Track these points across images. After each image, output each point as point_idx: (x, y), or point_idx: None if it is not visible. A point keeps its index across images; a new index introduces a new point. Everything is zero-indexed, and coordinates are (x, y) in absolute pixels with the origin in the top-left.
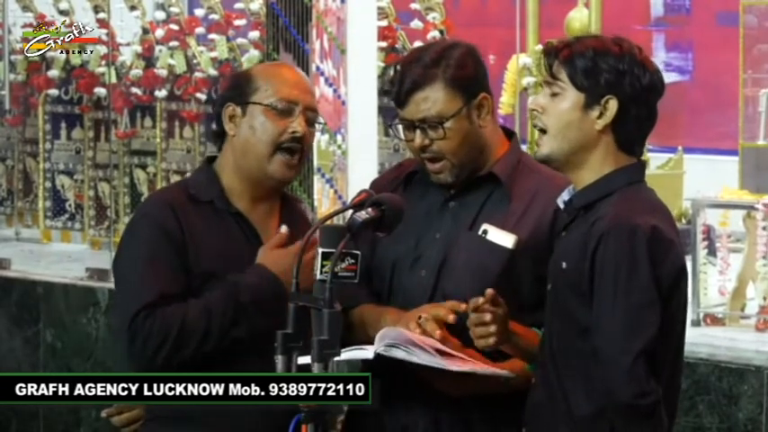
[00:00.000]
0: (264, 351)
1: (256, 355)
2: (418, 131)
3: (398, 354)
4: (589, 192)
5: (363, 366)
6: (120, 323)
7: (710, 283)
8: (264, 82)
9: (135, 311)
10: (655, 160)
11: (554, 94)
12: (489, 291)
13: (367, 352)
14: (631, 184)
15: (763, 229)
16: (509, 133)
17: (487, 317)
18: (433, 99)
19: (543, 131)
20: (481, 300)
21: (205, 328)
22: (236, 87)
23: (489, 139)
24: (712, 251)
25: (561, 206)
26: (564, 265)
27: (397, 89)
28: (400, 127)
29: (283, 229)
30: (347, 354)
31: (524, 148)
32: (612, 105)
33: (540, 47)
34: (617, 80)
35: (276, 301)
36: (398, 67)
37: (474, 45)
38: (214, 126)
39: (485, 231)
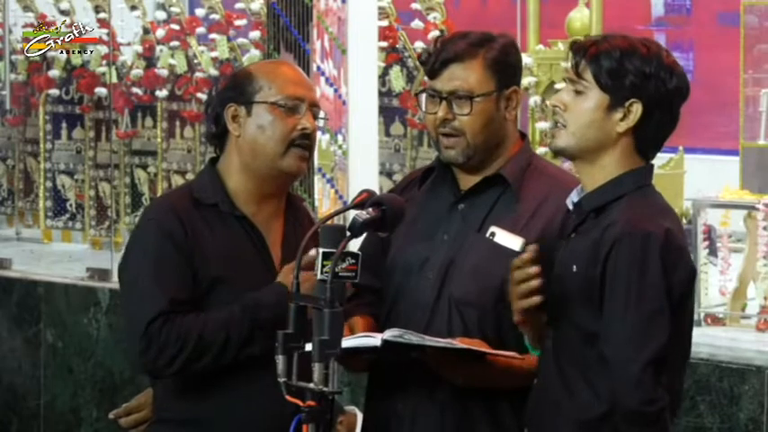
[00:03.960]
0: (263, 363)
1: (256, 369)
2: (443, 104)
3: (407, 337)
4: (599, 195)
5: (370, 355)
6: (134, 329)
7: (711, 283)
8: (267, 80)
9: (151, 318)
10: (656, 160)
11: (577, 92)
12: (533, 246)
13: (374, 339)
14: (640, 188)
15: (764, 229)
16: (521, 135)
17: (533, 269)
18: (468, 74)
19: (563, 126)
20: (526, 255)
21: (223, 342)
22: (237, 87)
23: (508, 135)
24: (713, 251)
25: (570, 207)
26: (574, 268)
27: (434, 59)
28: (424, 97)
29: (312, 252)
30: (354, 341)
31: None
32: (636, 109)
33: (540, 47)
34: (642, 83)
35: None
36: (439, 40)
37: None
38: (213, 128)
39: (492, 234)
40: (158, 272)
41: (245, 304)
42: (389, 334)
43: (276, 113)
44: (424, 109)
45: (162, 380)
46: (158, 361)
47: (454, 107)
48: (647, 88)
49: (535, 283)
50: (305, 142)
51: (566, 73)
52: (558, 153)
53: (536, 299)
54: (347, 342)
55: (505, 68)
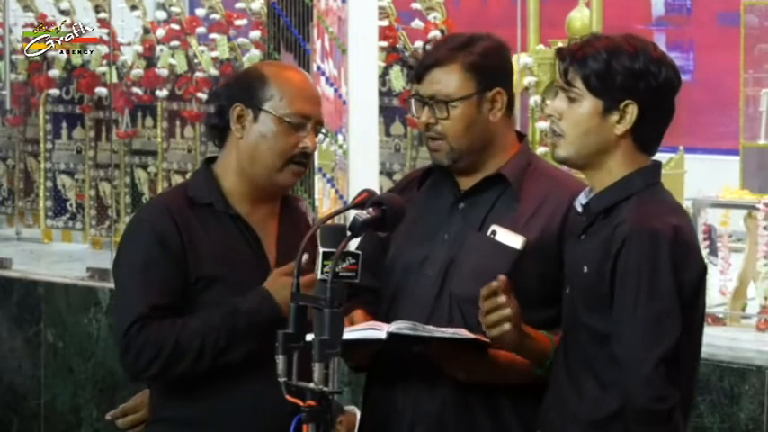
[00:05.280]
0: (262, 363)
1: (255, 369)
2: (426, 108)
3: (414, 327)
4: (607, 195)
5: (374, 345)
6: (117, 332)
7: (711, 282)
8: (279, 90)
9: (130, 322)
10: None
11: (571, 100)
12: (502, 277)
13: (380, 332)
14: (648, 186)
15: (764, 228)
16: (521, 136)
17: (502, 298)
18: (447, 79)
19: (561, 136)
20: (494, 283)
21: (199, 348)
22: (248, 88)
23: (499, 136)
24: (713, 251)
25: (579, 209)
26: (585, 269)
27: (418, 65)
28: (413, 101)
29: (305, 257)
30: (359, 333)
31: None
32: (632, 111)
33: (541, 46)
34: (633, 83)
35: (273, 328)
36: (426, 46)
37: (506, 43)
38: (216, 120)
39: (493, 232)
40: (145, 276)
41: (225, 310)
42: (395, 326)
43: (281, 128)
44: (414, 113)
45: (157, 380)
46: (136, 365)
47: (436, 111)
48: (639, 87)
49: (506, 311)
50: (303, 160)
51: (557, 81)
52: (561, 162)
53: (506, 326)
54: (352, 334)
55: (486, 71)
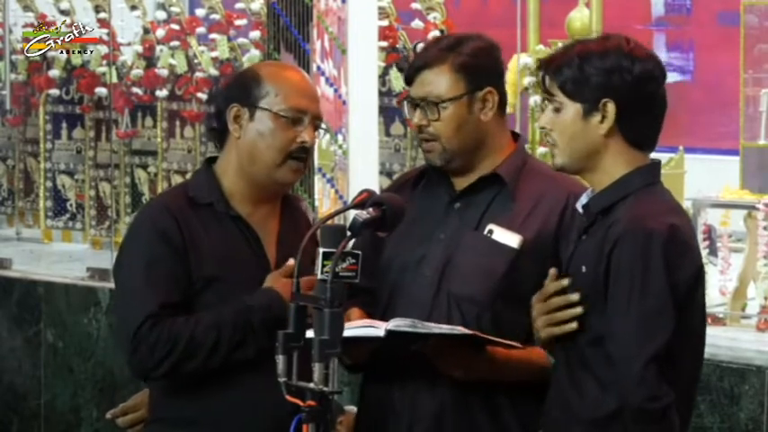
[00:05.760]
0: (262, 363)
1: (255, 369)
2: (418, 110)
3: (412, 324)
4: (606, 195)
5: (372, 345)
6: (125, 331)
7: (711, 282)
8: (274, 87)
9: (141, 320)
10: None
11: (556, 110)
12: (554, 270)
13: (378, 330)
14: (647, 186)
15: (764, 228)
16: (516, 136)
17: (575, 296)
18: (437, 80)
19: (555, 145)
20: (566, 281)
21: (213, 344)
22: (243, 88)
23: (492, 136)
24: (713, 251)
25: (580, 210)
26: (584, 269)
27: (408, 67)
28: (405, 103)
29: (290, 261)
30: (357, 330)
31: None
32: (611, 108)
33: (540, 46)
34: (606, 80)
35: (283, 325)
36: (417, 47)
37: (497, 43)
38: (215, 123)
39: (490, 231)
40: (150, 274)
41: (237, 307)
42: (393, 324)
43: (278, 123)
44: (407, 115)
45: (164, 379)
46: (147, 362)
47: (427, 113)
48: (613, 83)
49: (578, 310)
50: (302, 155)
51: (542, 94)
52: (559, 170)
53: (573, 325)
54: (350, 331)
55: (476, 71)
